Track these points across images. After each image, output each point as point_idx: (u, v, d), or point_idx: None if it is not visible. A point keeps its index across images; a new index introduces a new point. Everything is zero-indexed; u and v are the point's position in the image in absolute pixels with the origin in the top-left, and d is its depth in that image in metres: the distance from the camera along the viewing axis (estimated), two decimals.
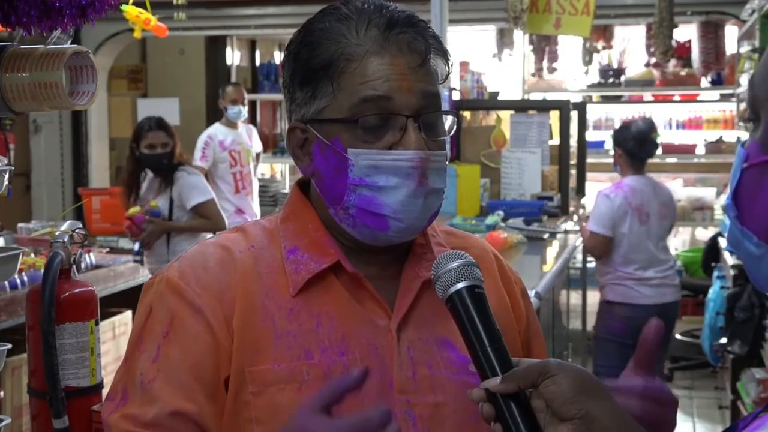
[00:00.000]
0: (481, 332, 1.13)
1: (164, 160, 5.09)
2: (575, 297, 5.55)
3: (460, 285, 1.15)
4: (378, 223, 1.24)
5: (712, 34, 7.82)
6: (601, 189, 5.18)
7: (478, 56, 8.66)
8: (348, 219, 1.26)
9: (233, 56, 9.10)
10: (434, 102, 1.26)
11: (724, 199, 7.90)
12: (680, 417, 5.80)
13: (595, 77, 8.71)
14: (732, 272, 5.45)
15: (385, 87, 1.22)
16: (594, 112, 8.70)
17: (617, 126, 5.74)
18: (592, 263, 7.27)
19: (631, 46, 8.89)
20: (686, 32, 8.12)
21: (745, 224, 0.95)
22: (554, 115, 5.93)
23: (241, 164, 6.57)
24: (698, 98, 8.77)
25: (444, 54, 1.29)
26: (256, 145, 6.90)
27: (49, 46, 1.90)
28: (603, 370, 5.01)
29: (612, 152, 7.36)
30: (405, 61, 1.23)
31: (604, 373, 4.85)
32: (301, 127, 1.28)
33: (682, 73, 8.40)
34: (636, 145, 5.06)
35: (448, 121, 1.29)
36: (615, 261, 5.00)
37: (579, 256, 5.39)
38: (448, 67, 1.30)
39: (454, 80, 5.85)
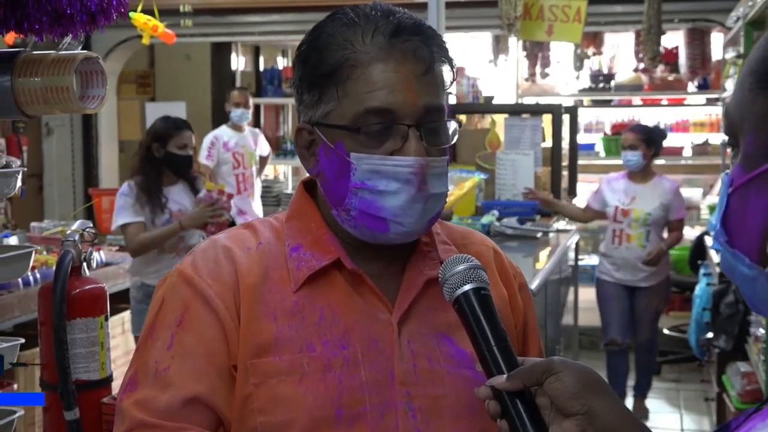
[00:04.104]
0: (487, 332, 1.16)
1: (192, 162, 4.67)
2: (569, 294, 5.66)
3: (467, 287, 1.18)
4: (378, 225, 1.25)
5: (698, 40, 7.87)
6: (670, 183, 5.75)
7: (474, 62, 8.78)
8: (350, 220, 1.27)
9: (238, 62, 9.12)
10: (437, 113, 1.26)
11: (710, 199, 8.02)
12: (667, 409, 6.03)
13: (586, 82, 8.82)
14: (718, 270, 5.42)
15: (389, 99, 1.22)
16: (585, 115, 8.82)
17: (634, 127, 5.87)
18: (583, 261, 7.39)
19: (620, 52, 8.98)
20: (674, 39, 8.18)
21: (735, 247, 0.95)
22: (547, 119, 6.06)
23: (243, 166, 6.63)
24: (685, 102, 8.85)
25: (449, 61, 1.28)
26: (263, 149, 6.94)
27: (60, 52, 1.91)
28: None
29: (601, 155, 7.65)
30: (409, 68, 1.22)
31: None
32: (308, 128, 1.29)
33: (670, 78, 8.52)
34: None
35: (452, 126, 1.29)
36: None
37: (571, 254, 5.53)
38: (453, 74, 1.29)
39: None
